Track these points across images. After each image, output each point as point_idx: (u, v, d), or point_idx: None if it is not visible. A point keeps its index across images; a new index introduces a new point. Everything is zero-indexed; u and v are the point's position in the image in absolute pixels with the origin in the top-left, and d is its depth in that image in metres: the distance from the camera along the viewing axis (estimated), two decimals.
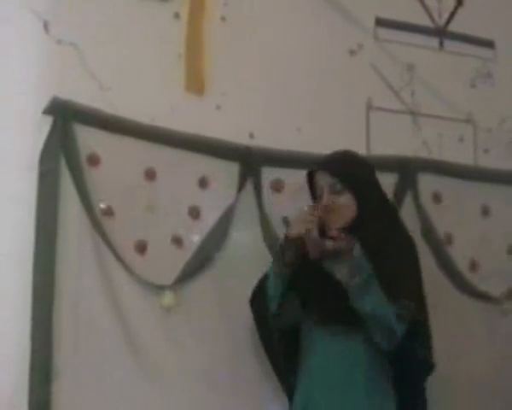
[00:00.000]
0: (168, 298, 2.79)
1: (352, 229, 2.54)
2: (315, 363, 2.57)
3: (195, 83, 2.96)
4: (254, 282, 2.80)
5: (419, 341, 2.55)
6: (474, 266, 3.23)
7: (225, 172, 2.95)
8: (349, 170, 2.63)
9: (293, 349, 2.67)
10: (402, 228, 2.70)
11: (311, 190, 2.71)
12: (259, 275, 2.86)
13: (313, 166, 2.68)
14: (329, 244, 2.40)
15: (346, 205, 2.59)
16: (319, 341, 2.57)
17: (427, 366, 2.61)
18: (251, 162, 2.96)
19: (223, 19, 3.04)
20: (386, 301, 2.43)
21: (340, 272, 2.41)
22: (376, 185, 2.69)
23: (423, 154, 3.26)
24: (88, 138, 2.77)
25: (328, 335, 2.55)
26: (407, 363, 2.55)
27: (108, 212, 2.78)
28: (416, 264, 2.62)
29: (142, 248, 2.81)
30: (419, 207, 3.15)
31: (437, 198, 3.21)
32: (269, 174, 2.99)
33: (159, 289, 2.78)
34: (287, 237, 2.55)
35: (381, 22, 3.29)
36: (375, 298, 2.42)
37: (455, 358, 3.06)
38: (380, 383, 2.53)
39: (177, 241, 2.86)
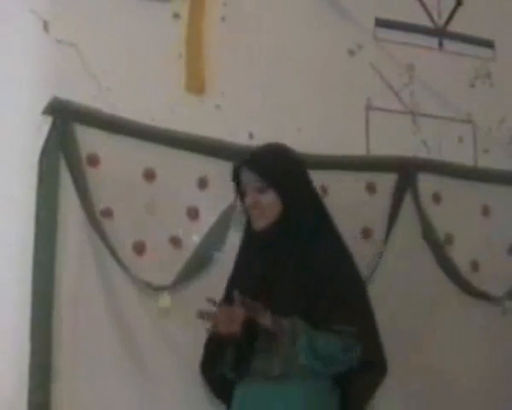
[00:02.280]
0: (165, 301, 2.79)
1: (278, 227, 2.51)
2: None
3: (195, 83, 2.95)
4: None
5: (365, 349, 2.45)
6: (474, 266, 3.22)
7: (225, 173, 2.93)
8: (272, 167, 2.55)
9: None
10: (330, 227, 2.61)
11: (237, 187, 2.65)
12: None
13: (237, 163, 2.63)
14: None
15: (269, 203, 2.52)
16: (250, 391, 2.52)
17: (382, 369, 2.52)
18: None
19: (223, 19, 3.04)
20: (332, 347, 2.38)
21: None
22: (304, 182, 2.59)
23: (423, 154, 3.26)
24: (87, 138, 2.76)
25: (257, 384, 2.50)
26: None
27: (107, 212, 2.78)
28: (345, 262, 2.54)
29: (140, 248, 2.81)
30: (419, 208, 3.15)
31: (437, 198, 3.21)
32: None
33: (157, 289, 2.78)
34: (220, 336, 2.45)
35: (380, 22, 3.29)
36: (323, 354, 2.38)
37: (455, 358, 3.06)
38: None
39: (176, 242, 2.86)
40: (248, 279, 2.54)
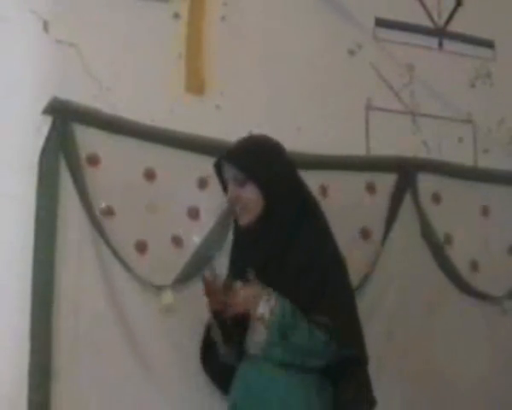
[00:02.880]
0: (168, 298, 2.79)
1: (260, 223, 2.48)
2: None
3: (195, 83, 2.96)
4: None
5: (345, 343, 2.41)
6: (473, 266, 3.23)
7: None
8: (250, 159, 2.51)
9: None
10: (315, 219, 2.54)
11: (221, 181, 2.62)
12: None
13: (218, 157, 2.60)
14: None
15: (250, 197, 2.49)
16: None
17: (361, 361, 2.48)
18: None
19: (223, 19, 3.04)
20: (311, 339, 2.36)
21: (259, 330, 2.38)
22: (285, 173, 2.53)
23: (423, 154, 3.26)
24: (87, 138, 2.77)
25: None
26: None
27: (108, 212, 2.78)
28: (327, 257, 2.49)
29: (141, 247, 2.81)
30: (418, 208, 3.15)
31: (436, 198, 3.21)
32: None
33: (158, 288, 2.78)
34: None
35: (380, 22, 3.29)
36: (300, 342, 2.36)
37: (455, 358, 3.06)
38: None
39: (178, 241, 2.86)
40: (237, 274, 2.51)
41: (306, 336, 2.36)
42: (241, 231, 2.55)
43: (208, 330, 2.60)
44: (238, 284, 2.39)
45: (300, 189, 2.57)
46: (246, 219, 2.51)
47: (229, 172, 2.54)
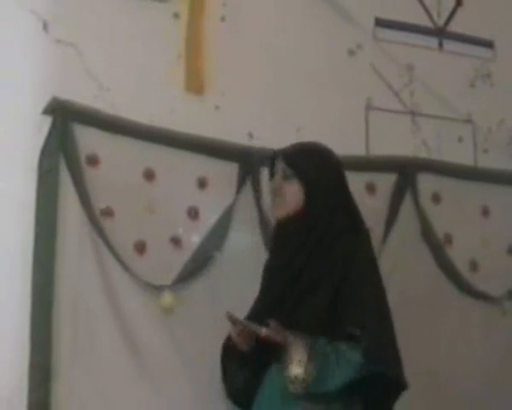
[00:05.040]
0: (167, 298, 2.79)
1: (297, 220, 2.50)
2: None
3: (195, 83, 2.96)
4: (253, 282, 2.81)
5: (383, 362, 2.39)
6: (473, 266, 3.22)
7: (224, 173, 2.95)
8: (301, 159, 2.55)
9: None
10: (355, 229, 2.56)
11: (271, 172, 2.64)
12: (258, 275, 2.86)
13: (276, 150, 2.64)
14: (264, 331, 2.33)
15: (292, 192, 2.52)
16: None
17: (398, 387, 2.46)
18: (250, 162, 2.96)
19: (222, 19, 3.04)
20: (347, 363, 2.33)
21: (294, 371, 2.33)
22: (335, 185, 2.56)
23: (423, 154, 3.26)
24: (87, 139, 2.77)
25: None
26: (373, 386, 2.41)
27: (108, 212, 2.78)
28: (368, 270, 2.49)
29: (141, 248, 2.81)
30: (418, 208, 3.15)
31: (436, 198, 3.21)
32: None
33: (158, 289, 2.78)
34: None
35: (380, 22, 3.29)
36: (337, 375, 2.32)
37: (454, 358, 3.06)
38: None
39: (177, 241, 2.86)
40: (267, 274, 2.56)
41: (342, 361, 2.34)
42: (278, 223, 2.58)
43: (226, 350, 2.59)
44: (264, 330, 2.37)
45: (343, 197, 2.59)
46: (282, 212, 2.53)
47: (279, 165, 2.57)
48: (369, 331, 2.36)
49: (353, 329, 2.35)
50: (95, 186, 2.75)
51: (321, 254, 2.47)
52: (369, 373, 2.32)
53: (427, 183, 3.19)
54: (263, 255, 2.90)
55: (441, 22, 3.40)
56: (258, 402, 2.47)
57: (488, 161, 3.35)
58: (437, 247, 3.15)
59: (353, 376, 2.32)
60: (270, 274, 2.56)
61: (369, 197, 3.12)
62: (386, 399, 2.46)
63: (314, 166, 2.54)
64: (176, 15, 2.98)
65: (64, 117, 2.72)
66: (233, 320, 2.41)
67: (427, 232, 3.14)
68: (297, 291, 2.44)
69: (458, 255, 3.20)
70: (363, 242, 2.54)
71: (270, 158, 2.64)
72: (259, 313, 2.48)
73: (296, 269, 2.46)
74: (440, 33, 3.39)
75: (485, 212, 3.29)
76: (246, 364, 2.50)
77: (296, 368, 2.34)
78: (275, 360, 2.40)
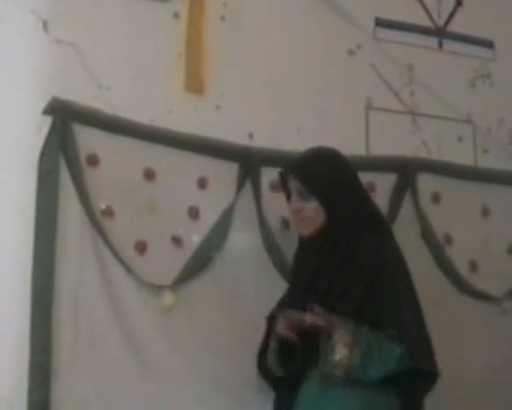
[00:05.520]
0: (168, 298, 2.79)
1: (322, 236, 2.54)
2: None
3: (195, 83, 2.95)
4: (254, 282, 2.82)
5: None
6: (473, 266, 3.22)
7: (225, 173, 2.95)
8: (315, 174, 2.57)
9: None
10: (379, 229, 2.61)
11: (285, 189, 2.68)
12: (258, 275, 2.87)
13: (283, 167, 2.67)
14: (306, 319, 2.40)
15: (312, 212, 2.56)
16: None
17: (432, 379, 2.54)
18: (250, 162, 2.96)
19: (222, 19, 3.04)
20: (390, 356, 2.39)
21: (339, 352, 2.39)
22: (350, 189, 2.60)
23: (422, 154, 3.26)
24: (87, 138, 2.76)
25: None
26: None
27: (108, 212, 2.78)
28: (396, 273, 2.54)
29: (141, 248, 2.81)
30: (418, 208, 3.15)
31: (436, 198, 3.21)
32: (268, 174, 2.98)
33: (158, 289, 2.78)
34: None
35: (380, 22, 3.29)
36: (379, 365, 2.38)
37: (455, 358, 3.06)
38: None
39: (178, 241, 2.86)
40: (297, 285, 2.59)
41: (383, 352, 2.39)
42: (303, 241, 2.61)
43: (266, 340, 2.63)
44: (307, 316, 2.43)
45: (365, 206, 2.62)
46: (306, 231, 2.58)
47: (294, 183, 2.60)
48: (407, 329, 2.42)
49: (392, 331, 2.40)
50: (95, 186, 2.75)
51: (347, 263, 2.50)
52: (410, 367, 2.39)
53: (427, 183, 3.19)
54: (263, 255, 2.92)
55: (441, 22, 3.39)
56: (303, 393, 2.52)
57: (488, 161, 3.35)
58: (437, 247, 3.15)
59: (394, 368, 2.37)
60: (298, 291, 2.58)
61: None
62: (421, 390, 2.53)
63: (329, 179, 2.57)
64: (176, 15, 2.98)
65: (64, 117, 2.72)
66: (284, 315, 2.45)
67: (426, 232, 3.14)
68: (328, 303, 2.46)
69: (458, 255, 3.19)
70: (386, 241, 2.58)
71: (280, 175, 2.68)
72: None
73: (325, 282, 2.49)
74: (440, 33, 3.39)
75: (485, 212, 3.29)
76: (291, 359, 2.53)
77: (341, 351, 2.36)
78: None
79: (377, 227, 2.61)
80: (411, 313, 2.50)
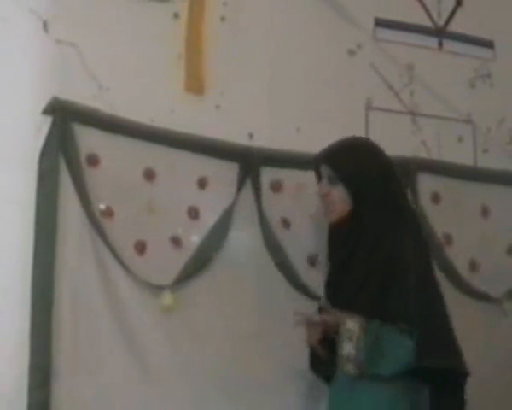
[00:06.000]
0: (167, 298, 2.79)
1: (347, 223, 2.55)
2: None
3: (195, 83, 2.95)
4: (254, 282, 2.82)
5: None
6: (473, 266, 3.22)
7: (225, 173, 2.95)
8: (345, 162, 2.61)
9: None
10: (406, 223, 2.60)
11: (317, 174, 2.72)
12: (259, 275, 2.87)
13: (317, 154, 2.71)
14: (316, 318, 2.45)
15: (338, 197, 2.59)
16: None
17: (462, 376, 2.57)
18: (250, 162, 2.96)
19: (222, 19, 3.04)
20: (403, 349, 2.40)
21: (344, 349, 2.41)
22: (379, 179, 2.60)
23: (422, 154, 3.26)
24: (87, 138, 2.76)
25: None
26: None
27: (108, 212, 2.78)
28: (413, 267, 2.53)
29: (141, 248, 2.81)
30: (418, 208, 3.14)
31: (436, 198, 3.21)
32: (268, 174, 2.98)
33: (158, 289, 2.78)
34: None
35: (380, 22, 3.29)
36: (389, 358, 2.40)
37: None
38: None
39: (177, 241, 2.86)
40: (330, 273, 2.64)
41: (394, 345, 2.40)
42: (330, 228, 2.65)
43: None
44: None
45: (393, 196, 2.63)
46: (332, 217, 2.61)
47: (324, 168, 2.64)
48: (419, 326, 2.42)
49: (403, 325, 2.40)
50: (95, 186, 2.75)
51: (370, 253, 2.51)
52: (423, 366, 2.39)
53: (426, 183, 3.19)
54: (263, 255, 2.92)
55: (441, 22, 3.39)
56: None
57: (488, 161, 3.35)
58: (437, 247, 3.15)
59: (408, 362, 2.37)
60: (328, 277, 2.63)
61: None
62: (454, 388, 2.56)
63: (358, 167, 2.59)
64: (176, 15, 2.98)
65: (64, 117, 2.72)
66: (306, 322, 2.50)
67: (426, 232, 3.14)
68: (348, 291, 2.49)
69: (458, 255, 3.19)
70: (409, 235, 2.56)
71: (314, 160, 2.70)
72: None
73: (350, 273, 2.52)
74: (440, 33, 3.39)
75: (485, 212, 3.29)
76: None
77: (347, 346, 2.38)
78: None
79: (403, 220, 2.60)
80: (425, 307, 2.48)
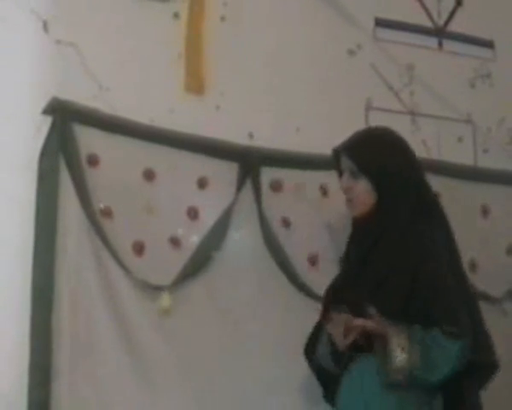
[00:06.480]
0: (166, 299, 2.79)
1: (371, 217, 2.53)
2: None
3: (195, 83, 2.96)
4: (253, 282, 2.81)
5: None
6: (473, 266, 3.22)
7: (224, 173, 2.95)
8: (366, 154, 2.55)
9: None
10: (431, 219, 2.57)
11: (338, 168, 2.68)
12: (258, 275, 2.86)
13: (338, 145, 2.66)
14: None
15: (362, 191, 2.54)
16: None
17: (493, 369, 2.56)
18: (250, 162, 2.96)
19: (222, 19, 3.04)
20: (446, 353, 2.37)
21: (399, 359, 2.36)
22: (403, 172, 2.55)
23: (422, 154, 3.24)
24: (87, 139, 2.77)
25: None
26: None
27: (107, 212, 2.78)
28: (442, 266, 2.49)
29: (139, 248, 2.80)
30: None
31: None
32: (268, 174, 2.98)
33: (157, 289, 2.78)
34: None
35: (380, 22, 3.29)
36: (440, 365, 2.36)
37: None
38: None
39: (176, 241, 2.86)
40: (346, 270, 2.59)
41: (442, 350, 2.37)
42: (354, 222, 2.61)
43: (317, 330, 2.63)
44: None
45: (418, 188, 2.58)
46: (356, 211, 2.57)
47: (346, 162, 2.59)
48: (463, 323, 2.40)
49: (449, 327, 2.37)
50: (94, 186, 2.75)
51: (394, 246, 2.48)
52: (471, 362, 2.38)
53: None
54: (263, 255, 2.92)
55: (441, 22, 3.39)
56: (345, 393, 2.51)
57: (488, 161, 3.35)
58: None
59: (456, 366, 2.36)
60: (349, 269, 2.57)
61: None
62: (481, 381, 2.56)
63: (381, 160, 2.53)
64: (176, 15, 2.98)
65: (64, 117, 2.73)
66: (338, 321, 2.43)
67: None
68: (372, 284, 2.45)
69: None
70: (435, 230, 2.54)
71: (334, 153, 2.66)
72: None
73: (372, 272, 2.47)
74: (440, 33, 3.39)
75: (485, 212, 3.29)
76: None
77: (400, 357, 2.34)
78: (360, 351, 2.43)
79: (429, 214, 2.57)
80: (463, 306, 2.46)
